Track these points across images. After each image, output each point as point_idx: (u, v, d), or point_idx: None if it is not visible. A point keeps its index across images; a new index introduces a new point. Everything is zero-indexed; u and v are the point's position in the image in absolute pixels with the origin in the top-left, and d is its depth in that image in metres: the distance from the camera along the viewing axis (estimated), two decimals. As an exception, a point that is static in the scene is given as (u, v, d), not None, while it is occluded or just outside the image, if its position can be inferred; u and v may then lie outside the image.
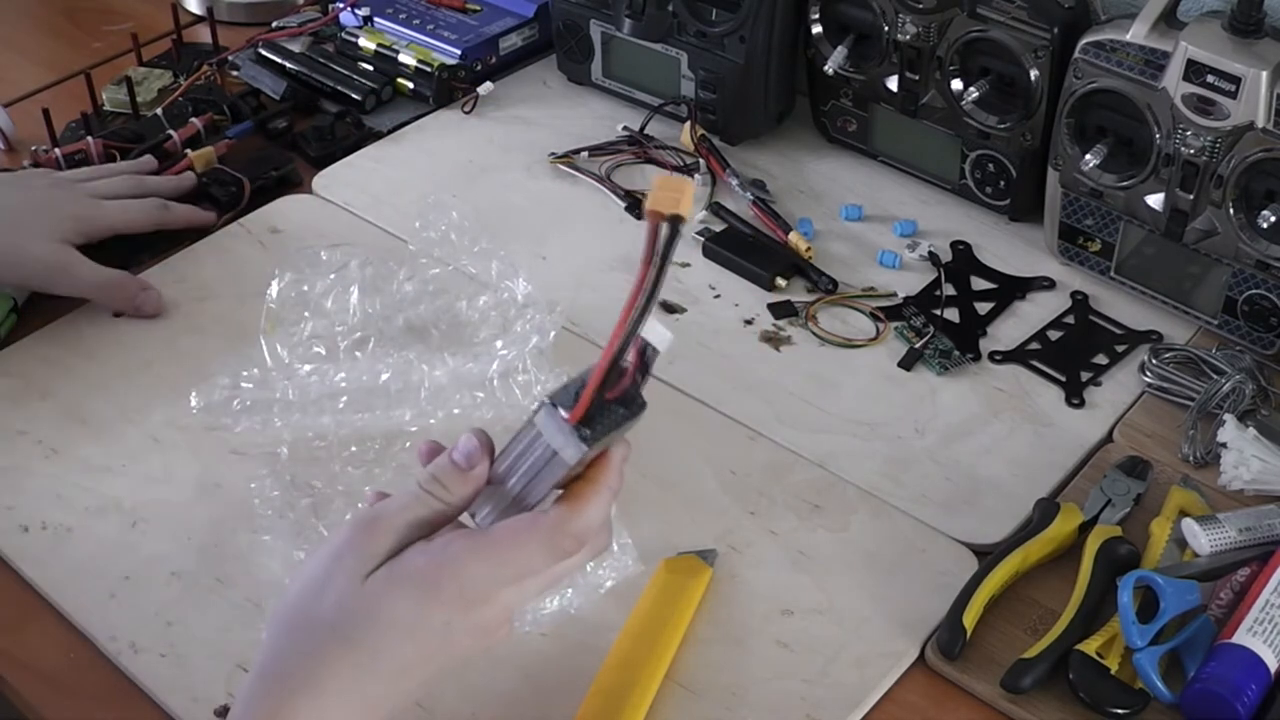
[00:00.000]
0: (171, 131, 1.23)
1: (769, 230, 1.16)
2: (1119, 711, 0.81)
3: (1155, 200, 1.04)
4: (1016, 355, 1.06)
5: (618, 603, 0.86)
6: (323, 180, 1.23)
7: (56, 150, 1.20)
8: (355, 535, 0.70)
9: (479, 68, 1.35)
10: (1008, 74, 1.11)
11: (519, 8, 1.39)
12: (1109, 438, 1.00)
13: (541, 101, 1.34)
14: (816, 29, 1.20)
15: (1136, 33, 1.01)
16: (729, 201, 1.20)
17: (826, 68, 1.19)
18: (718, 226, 1.17)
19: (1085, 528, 0.90)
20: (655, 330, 0.68)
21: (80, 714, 0.83)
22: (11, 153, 1.27)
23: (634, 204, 1.20)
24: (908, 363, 1.05)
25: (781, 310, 1.10)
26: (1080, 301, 1.11)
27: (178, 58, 1.37)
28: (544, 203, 1.22)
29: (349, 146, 1.27)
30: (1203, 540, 0.87)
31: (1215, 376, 1.01)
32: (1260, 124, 0.96)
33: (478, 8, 1.40)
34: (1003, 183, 1.16)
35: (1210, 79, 0.97)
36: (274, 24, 1.39)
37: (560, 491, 0.73)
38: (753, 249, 1.14)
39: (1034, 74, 1.09)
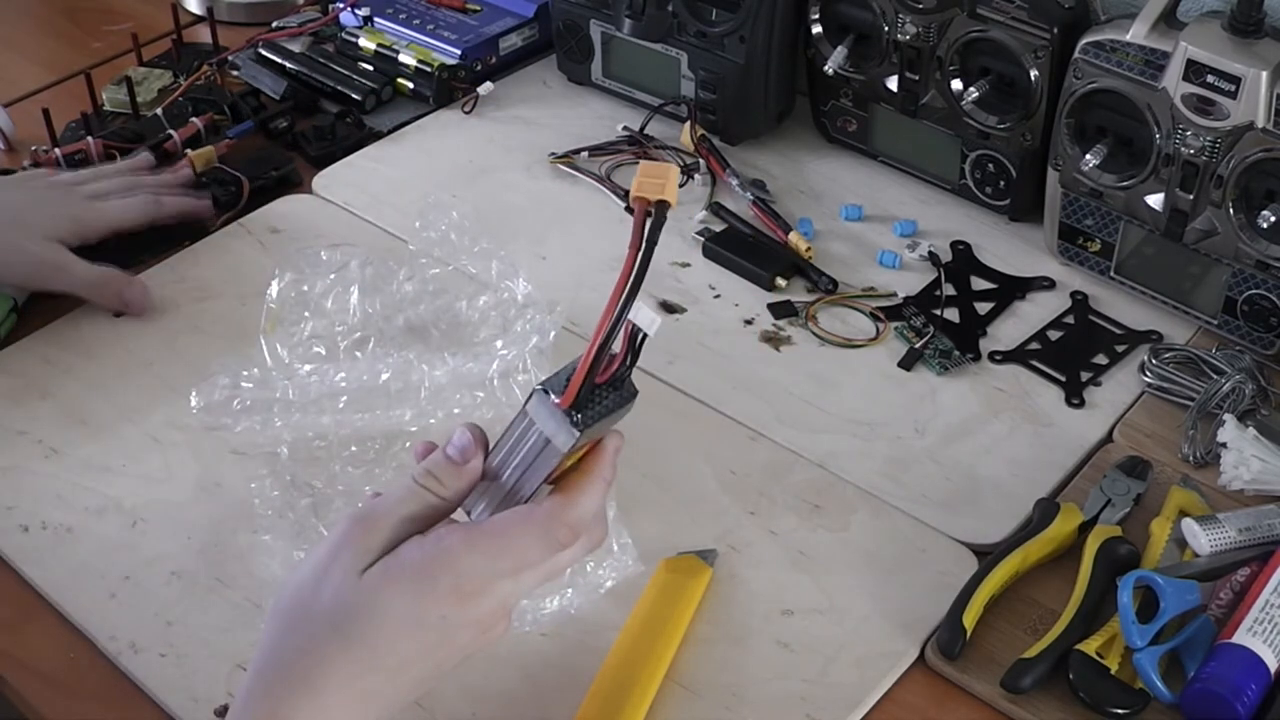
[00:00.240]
0: (171, 131, 1.23)
1: (769, 230, 1.16)
2: (1119, 711, 0.81)
3: (1155, 200, 1.04)
4: (1016, 355, 1.06)
5: (618, 603, 0.86)
6: (323, 180, 1.23)
7: (56, 150, 1.21)
8: (351, 531, 0.70)
9: (479, 68, 1.35)
10: (1008, 74, 1.11)
11: (519, 8, 1.39)
12: (1109, 438, 1.00)
13: (541, 101, 1.34)
14: (816, 29, 1.20)
15: (1136, 33, 1.01)
16: (729, 201, 1.20)
17: (826, 68, 1.19)
18: (718, 226, 1.17)
19: (1085, 528, 0.90)
20: (643, 314, 0.68)
21: (80, 714, 0.83)
22: (11, 153, 1.27)
23: (634, 204, 1.20)
24: (908, 363, 1.05)
25: (781, 310, 1.10)
26: (1080, 301, 1.11)
27: (178, 58, 1.37)
28: (544, 203, 1.22)
29: (349, 146, 1.27)
30: (1203, 540, 0.87)
31: (1215, 376, 1.01)
32: (1260, 124, 0.96)
33: (478, 8, 1.40)
34: (1003, 183, 1.16)
35: (1210, 79, 0.97)
36: (274, 24, 1.39)
37: (553, 484, 0.73)
38: (753, 249, 1.14)
39: (1034, 74, 1.09)
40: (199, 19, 1.44)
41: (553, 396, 0.69)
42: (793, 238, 1.15)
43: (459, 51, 1.34)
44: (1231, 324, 1.05)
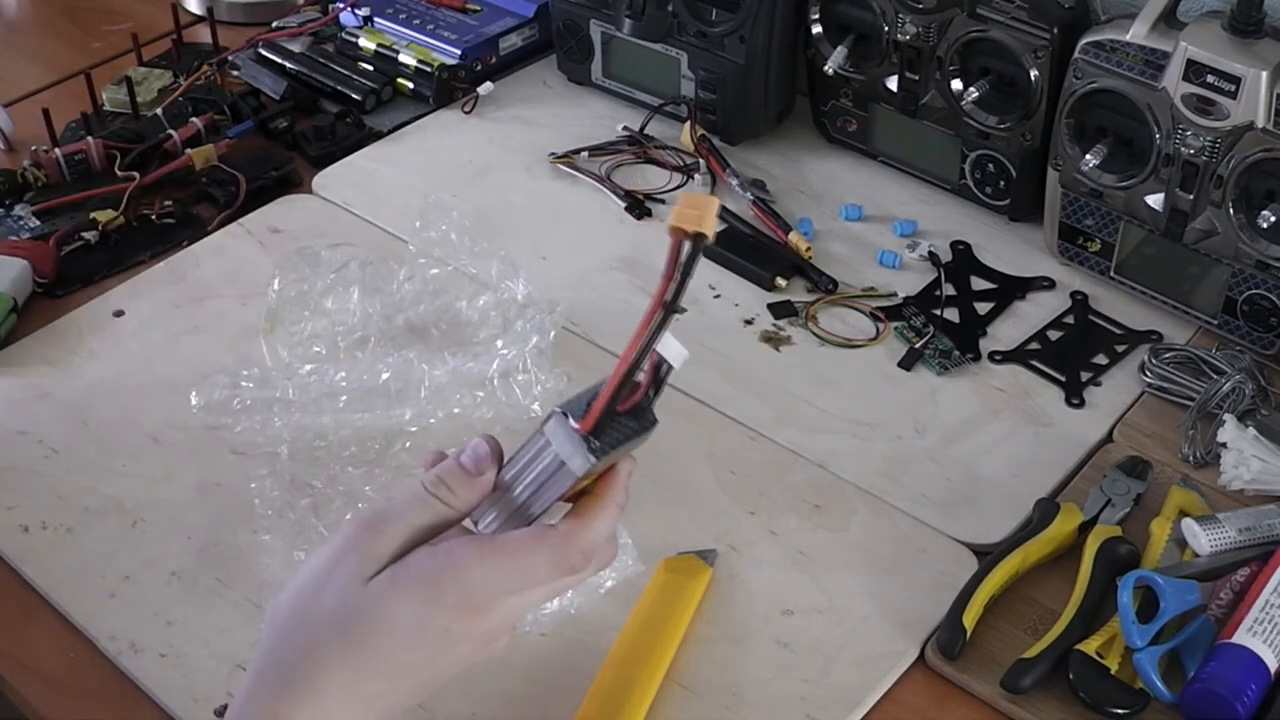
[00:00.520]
0: (171, 131, 1.23)
1: (769, 230, 1.16)
2: (1119, 711, 0.81)
3: (1155, 200, 1.04)
4: (1016, 355, 1.06)
5: (618, 603, 0.86)
6: (323, 180, 1.23)
7: (57, 150, 1.21)
8: (357, 535, 0.70)
9: (479, 68, 1.35)
10: (1008, 74, 1.11)
11: (519, 8, 1.39)
12: (1109, 438, 1.00)
13: (541, 101, 1.34)
14: (816, 29, 1.20)
15: (1136, 33, 1.01)
16: (729, 201, 1.20)
17: (826, 68, 1.19)
18: (718, 226, 1.17)
19: (1085, 528, 0.90)
20: (671, 346, 0.67)
21: (80, 714, 0.83)
22: (11, 153, 1.27)
23: (634, 204, 1.20)
24: (908, 363, 1.05)
25: (781, 310, 1.10)
26: (1080, 301, 1.11)
27: (178, 58, 1.37)
28: (544, 203, 1.22)
29: (349, 146, 1.27)
30: (1203, 540, 0.87)
31: (1215, 376, 1.00)
32: (1260, 124, 0.96)
33: (478, 8, 1.40)
34: (1003, 183, 1.16)
35: (1210, 79, 0.97)
36: (274, 24, 1.39)
37: (564, 502, 0.72)
38: (753, 249, 1.14)
39: (1034, 74, 1.09)
40: (199, 19, 1.44)
41: (571, 420, 0.68)
42: (793, 238, 1.15)
43: (459, 51, 1.34)
44: (1231, 324, 1.05)
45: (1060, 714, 0.82)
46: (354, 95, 1.31)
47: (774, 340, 1.08)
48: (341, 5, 1.39)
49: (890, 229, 1.18)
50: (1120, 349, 1.07)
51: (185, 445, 0.98)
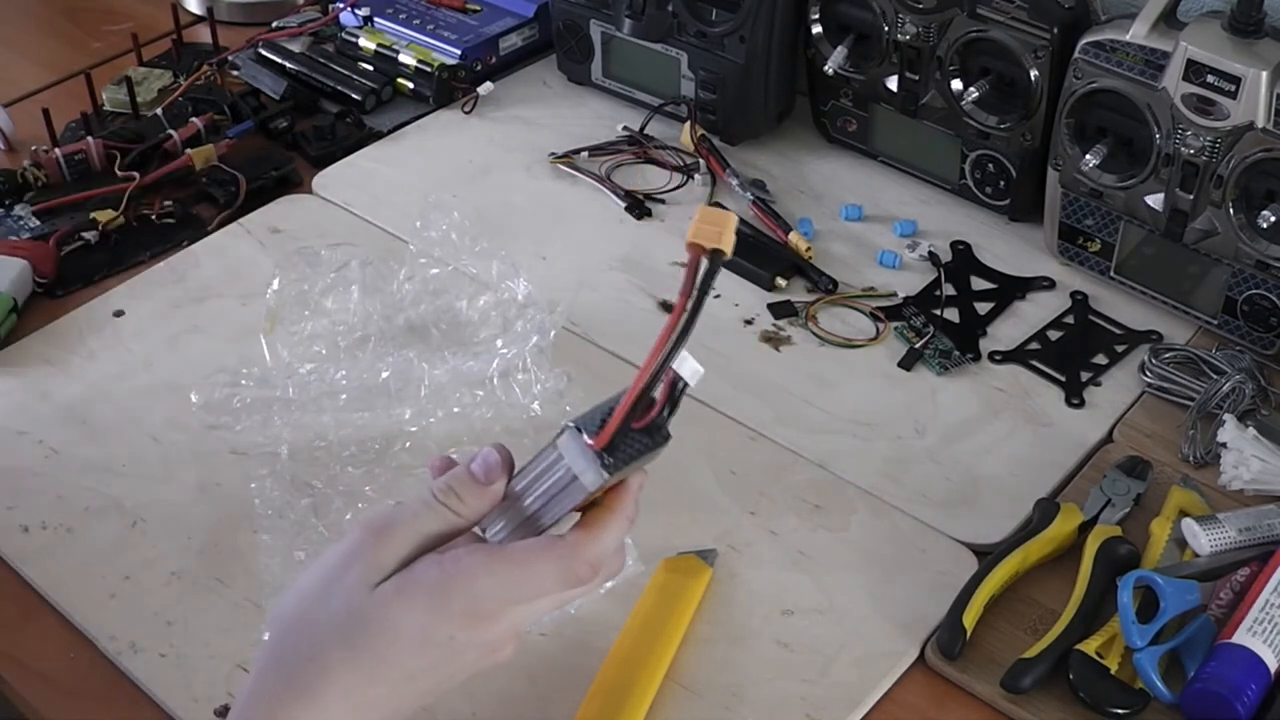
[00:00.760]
0: (171, 131, 1.23)
1: (769, 230, 1.16)
2: (1119, 711, 0.81)
3: (1155, 200, 1.04)
4: (1016, 355, 1.06)
5: (618, 603, 0.86)
6: (323, 180, 1.23)
7: (56, 150, 1.21)
8: (364, 541, 0.69)
9: (479, 68, 1.35)
10: (1008, 74, 1.11)
11: (519, 8, 1.39)
12: (1109, 438, 1.00)
13: (541, 101, 1.34)
14: (816, 29, 1.20)
15: (1136, 33, 1.01)
16: (729, 201, 1.20)
17: (826, 68, 1.19)
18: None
19: (1085, 528, 0.90)
20: (687, 364, 0.67)
21: (80, 714, 0.83)
22: (12, 153, 1.27)
23: (634, 204, 1.20)
24: (908, 363, 1.05)
25: (781, 310, 1.10)
26: (1080, 301, 1.11)
27: (178, 58, 1.37)
28: (544, 203, 1.22)
29: (349, 146, 1.27)
30: (1203, 540, 0.87)
31: (1215, 376, 1.00)
32: (1260, 124, 0.96)
33: (478, 8, 1.40)
34: (1003, 183, 1.16)
35: (1210, 79, 0.97)
36: (274, 24, 1.39)
37: (574, 514, 0.72)
38: (753, 249, 1.14)
39: (1034, 74, 1.09)
40: (199, 19, 1.44)
41: (585, 436, 0.68)
42: (793, 238, 1.15)
43: (459, 51, 1.34)
44: (1231, 324, 1.05)
45: (1060, 714, 0.82)
46: (354, 95, 1.31)
47: (774, 340, 1.08)
48: (341, 5, 1.39)
49: (890, 229, 1.18)
50: (1120, 349, 1.07)
51: (185, 445, 0.98)
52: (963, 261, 1.15)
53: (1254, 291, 1.02)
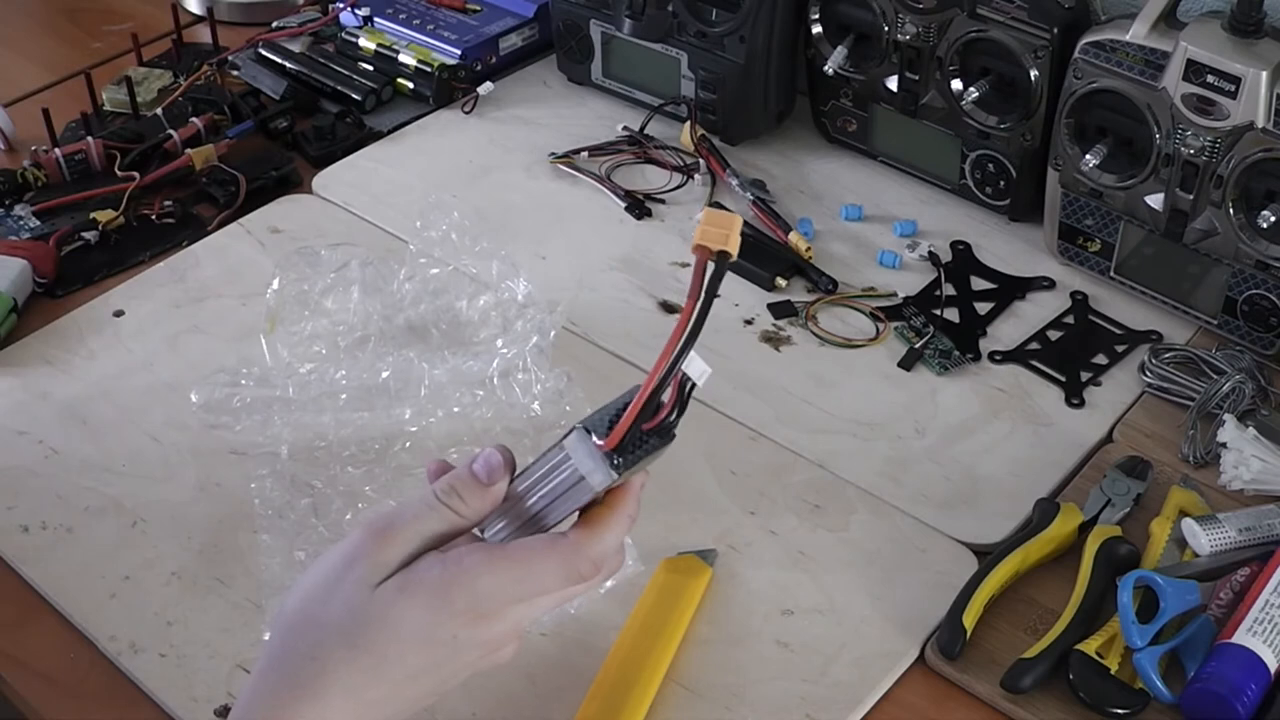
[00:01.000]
0: (172, 131, 1.23)
1: (769, 230, 1.16)
2: (1119, 711, 0.81)
3: (1155, 200, 1.04)
4: (1016, 355, 1.06)
5: (618, 603, 0.86)
6: (323, 180, 1.23)
7: (56, 150, 1.21)
8: (366, 542, 0.69)
9: (479, 68, 1.35)
10: (1008, 74, 1.11)
11: (519, 8, 1.39)
12: (1109, 438, 1.00)
13: (541, 101, 1.34)
14: (816, 29, 1.20)
15: (1136, 33, 1.01)
16: (729, 201, 1.20)
17: (826, 68, 1.19)
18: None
19: (1085, 528, 0.90)
20: (695, 365, 0.67)
21: (80, 714, 0.83)
22: (12, 153, 1.27)
23: (634, 204, 1.20)
24: (908, 363, 1.05)
25: (781, 310, 1.10)
26: (1080, 301, 1.11)
27: (178, 58, 1.37)
28: (544, 203, 1.22)
29: (349, 146, 1.27)
30: (1203, 540, 0.87)
31: (1215, 376, 1.00)
32: (1260, 124, 0.96)
33: (478, 8, 1.40)
34: (1003, 183, 1.16)
35: (1210, 79, 0.97)
36: (274, 24, 1.39)
37: (573, 514, 0.72)
38: (753, 249, 1.14)
39: (1034, 74, 1.09)
40: (199, 19, 1.44)
41: (594, 437, 0.68)
42: (793, 238, 1.15)
43: (459, 51, 1.34)
44: (1231, 324, 1.05)
45: (1060, 714, 0.82)
46: (354, 95, 1.31)
47: (774, 340, 1.08)
48: (341, 5, 1.39)
49: (890, 229, 1.18)
50: (1120, 349, 1.07)
51: (185, 445, 0.98)
52: (963, 261, 1.15)
53: (1254, 291, 1.02)
